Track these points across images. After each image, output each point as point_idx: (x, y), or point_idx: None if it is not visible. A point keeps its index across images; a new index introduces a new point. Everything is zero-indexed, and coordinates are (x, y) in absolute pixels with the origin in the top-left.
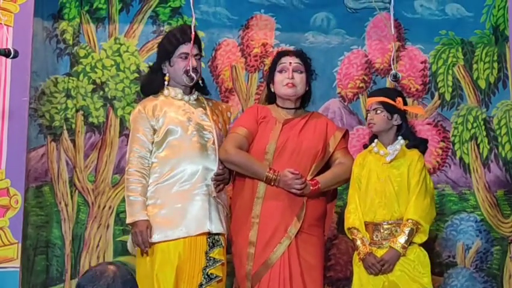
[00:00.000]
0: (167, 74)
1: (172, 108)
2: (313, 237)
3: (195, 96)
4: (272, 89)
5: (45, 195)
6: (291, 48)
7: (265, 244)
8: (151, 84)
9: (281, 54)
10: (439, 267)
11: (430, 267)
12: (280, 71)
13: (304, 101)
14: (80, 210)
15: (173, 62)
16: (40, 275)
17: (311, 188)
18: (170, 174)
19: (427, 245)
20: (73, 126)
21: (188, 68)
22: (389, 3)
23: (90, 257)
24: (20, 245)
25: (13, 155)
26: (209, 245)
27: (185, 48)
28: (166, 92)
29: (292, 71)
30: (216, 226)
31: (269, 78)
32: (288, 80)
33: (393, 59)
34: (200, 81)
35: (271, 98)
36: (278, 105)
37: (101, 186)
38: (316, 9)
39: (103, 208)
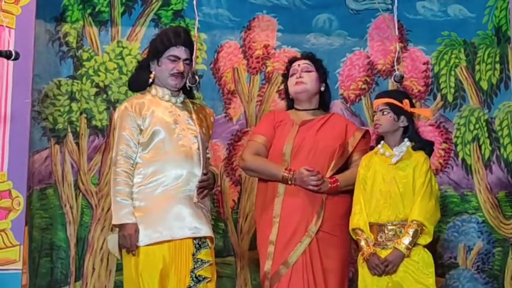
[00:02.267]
0: (153, 72)
1: (159, 109)
2: (335, 237)
3: (181, 98)
4: (290, 96)
5: (49, 197)
6: (294, 50)
7: (286, 243)
8: (137, 80)
9: (292, 61)
10: (441, 268)
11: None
12: (292, 75)
13: (323, 102)
14: (83, 213)
15: (161, 62)
16: (45, 278)
17: (329, 185)
18: (154, 177)
19: (429, 246)
20: (78, 129)
21: (175, 71)
22: (391, 4)
23: (94, 259)
24: (22, 247)
25: (15, 157)
26: (195, 247)
27: (176, 51)
28: (153, 91)
29: (300, 71)
30: (200, 230)
31: (285, 85)
32: (297, 79)
33: (397, 60)
34: (188, 85)
35: (290, 104)
36: (296, 109)
37: (105, 189)
38: (318, 10)
39: (107, 211)
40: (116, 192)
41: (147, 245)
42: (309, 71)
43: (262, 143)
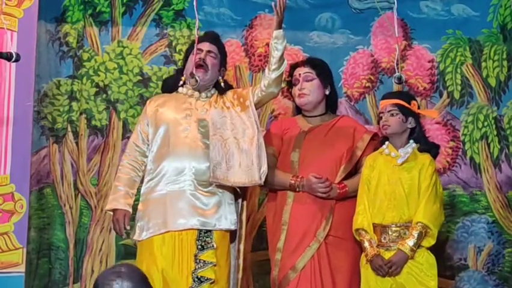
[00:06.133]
0: (184, 75)
1: (172, 104)
2: (345, 241)
3: (208, 93)
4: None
5: (47, 197)
6: (297, 48)
7: (294, 249)
8: (168, 80)
9: (293, 67)
10: (450, 270)
11: (437, 271)
12: (295, 84)
13: (330, 105)
14: (82, 214)
15: (189, 59)
16: (43, 278)
17: (338, 191)
18: (157, 172)
19: (438, 248)
20: (78, 129)
21: (197, 60)
22: (394, 3)
23: (93, 260)
24: (24, 250)
25: (18, 160)
26: (198, 248)
27: (200, 44)
28: (180, 89)
29: (301, 81)
30: (197, 222)
31: (290, 92)
32: (299, 91)
33: (397, 62)
34: (221, 82)
35: (298, 110)
36: (304, 115)
37: (104, 189)
38: (320, 9)
39: (106, 212)
40: (115, 181)
41: (150, 238)
42: (311, 80)
43: (272, 154)
